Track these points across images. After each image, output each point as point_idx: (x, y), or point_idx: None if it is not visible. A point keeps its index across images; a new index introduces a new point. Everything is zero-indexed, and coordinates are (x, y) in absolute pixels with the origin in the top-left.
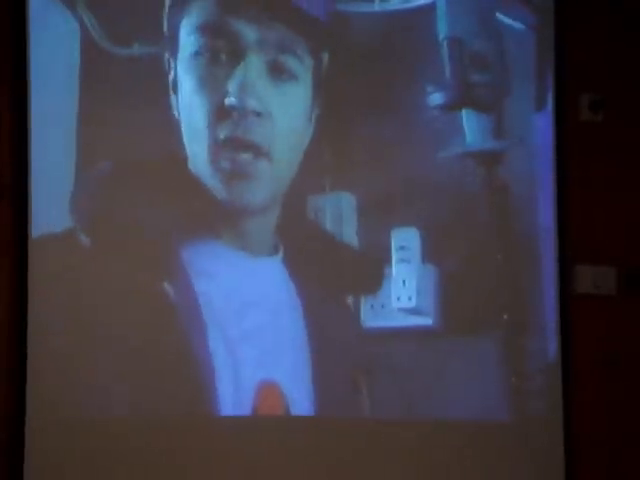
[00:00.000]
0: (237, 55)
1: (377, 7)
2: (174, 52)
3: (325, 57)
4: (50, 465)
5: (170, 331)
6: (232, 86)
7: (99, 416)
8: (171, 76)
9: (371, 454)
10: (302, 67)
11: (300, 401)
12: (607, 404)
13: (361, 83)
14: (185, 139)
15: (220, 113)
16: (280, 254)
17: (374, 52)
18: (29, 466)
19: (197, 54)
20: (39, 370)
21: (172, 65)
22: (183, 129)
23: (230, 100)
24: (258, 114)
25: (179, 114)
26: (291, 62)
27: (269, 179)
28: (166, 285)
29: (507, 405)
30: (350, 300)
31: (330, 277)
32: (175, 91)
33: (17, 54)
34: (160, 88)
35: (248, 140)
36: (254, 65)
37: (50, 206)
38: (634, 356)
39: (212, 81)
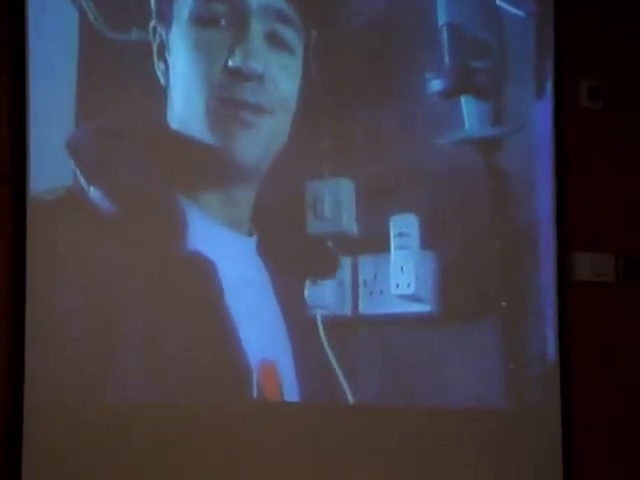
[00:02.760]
0: (239, 20)
1: None
2: (165, 19)
3: (314, 34)
4: (48, 454)
5: (177, 316)
6: (235, 49)
7: (98, 403)
8: (157, 43)
9: (369, 441)
10: (296, 41)
11: (290, 385)
12: (605, 391)
13: (360, 69)
14: (177, 103)
15: (222, 74)
16: (255, 237)
17: (373, 38)
18: (27, 454)
19: (195, 18)
20: (37, 356)
21: (160, 32)
22: (174, 93)
23: (235, 61)
24: (261, 77)
25: (167, 80)
26: (288, 34)
27: (269, 132)
28: (176, 262)
29: (505, 392)
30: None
31: (298, 264)
32: (161, 58)
33: (16, 40)
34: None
35: (251, 102)
36: (256, 31)
37: (49, 191)
38: (632, 343)
39: (212, 44)
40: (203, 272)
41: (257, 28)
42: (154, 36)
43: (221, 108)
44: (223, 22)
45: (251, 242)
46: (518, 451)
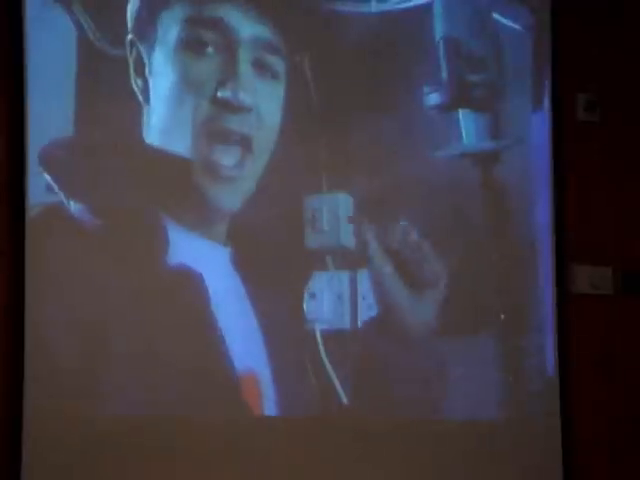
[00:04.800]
0: (227, 49)
1: (374, 8)
2: (146, 39)
3: (306, 57)
4: (47, 464)
5: (165, 329)
6: (225, 80)
7: (95, 415)
8: (133, 58)
9: (368, 453)
10: (283, 66)
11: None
12: (604, 403)
13: (358, 83)
14: (157, 123)
15: (211, 105)
16: (229, 248)
17: (371, 52)
18: (27, 465)
19: (182, 44)
20: (36, 368)
21: (139, 49)
22: (154, 113)
23: (225, 93)
24: (249, 109)
25: (146, 98)
26: (272, 60)
27: (252, 161)
28: (164, 277)
29: (504, 404)
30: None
31: (277, 274)
32: (140, 75)
33: (14, 55)
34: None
35: (237, 133)
36: (244, 61)
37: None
38: (631, 356)
39: (200, 73)
40: (190, 285)
41: (245, 57)
42: (130, 50)
43: (207, 138)
44: (210, 50)
45: (228, 254)
46: (518, 464)
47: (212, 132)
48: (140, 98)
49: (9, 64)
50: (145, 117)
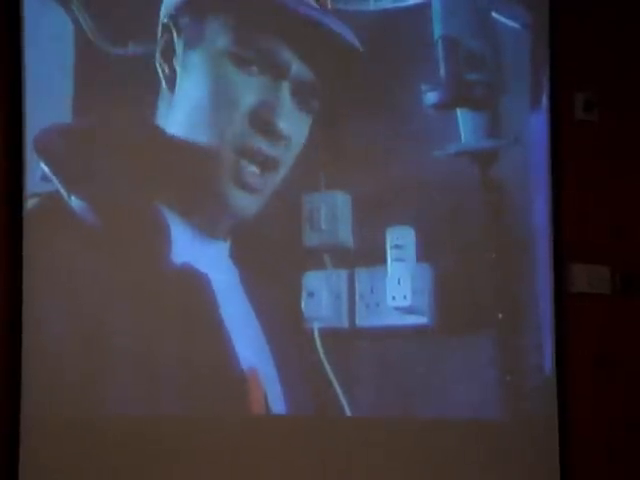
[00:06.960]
0: (273, 75)
1: (372, 6)
2: (183, 28)
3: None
4: (45, 465)
5: (168, 328)
6: (266, 102)
7: (95, 415)
8: (163, 41)
9: (366, 453)
10: (318, 105)
11: (287, 397)
12: (602, 402)
13: (356, 82)
14: (184, 122)
15: (245, 121)
16: (228, 243)
17: (369, 51)
18: (24, 466)
19: (229, 54)
20: (34, 367)
21: (172, 35)
22: (179, 107)
23: (265, 115)
24: (282, 137)
25: (170, 87)
26: (312, 101)
27: (269, 189)
28: (164, 275)
29: (502, 404)
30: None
31: (275, 272)
32: (166, 60)
33: (12, 53)
34: (154, 87)
35: (266, 155)
36: (286, 92)
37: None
38: (628, 355)
39: (239, 86)
40: (192, 283)
41: (287, 90)
42: (162, 33)
43: (234, 151)
44: (255, 69)
45: (227, 250)
46: (515, 462)
47: (241, 147)
48: (164, 84)
49: (6, 63)
50: (165, 104)
